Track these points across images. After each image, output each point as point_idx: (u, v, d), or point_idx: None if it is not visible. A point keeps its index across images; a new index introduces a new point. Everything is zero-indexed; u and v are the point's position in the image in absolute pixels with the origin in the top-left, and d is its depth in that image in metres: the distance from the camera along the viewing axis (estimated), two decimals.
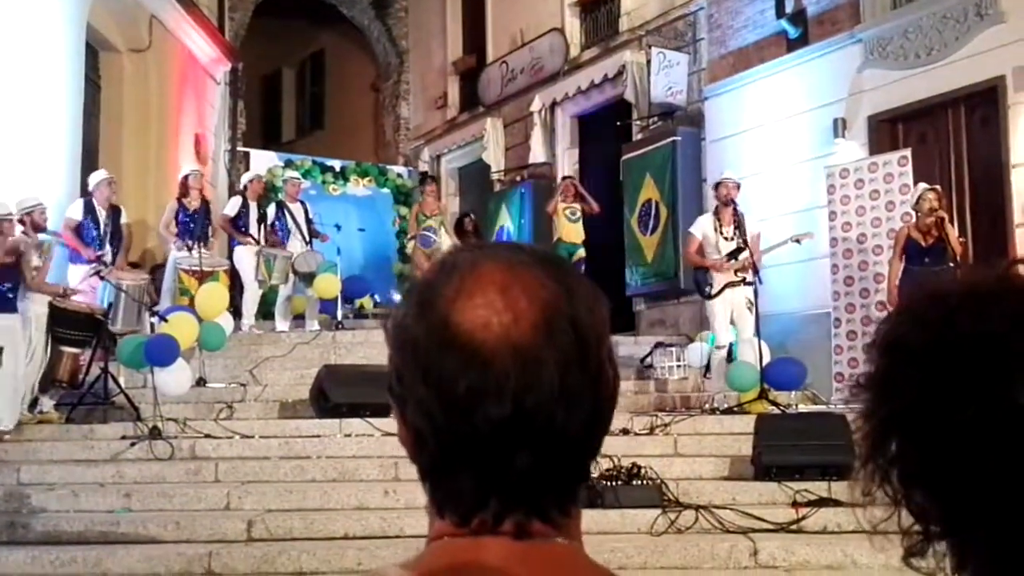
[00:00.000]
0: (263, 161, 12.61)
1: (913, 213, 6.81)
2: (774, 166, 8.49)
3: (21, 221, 6.72)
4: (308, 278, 9.10)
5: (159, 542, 4.72)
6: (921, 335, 0.65)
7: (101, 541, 4.72)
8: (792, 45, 8.38)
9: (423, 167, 13.19)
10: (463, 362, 0.64)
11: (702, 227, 7.09)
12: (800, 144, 8.29)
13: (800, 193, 8.21)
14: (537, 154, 11.04)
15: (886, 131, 7.82)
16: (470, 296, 0.66)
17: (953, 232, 6.62)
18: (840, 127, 7.89)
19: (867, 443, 0.68)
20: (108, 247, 7.79)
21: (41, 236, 6.77)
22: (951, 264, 6.48)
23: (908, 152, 7.37)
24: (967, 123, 7.32)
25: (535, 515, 0.66)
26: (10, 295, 6.16)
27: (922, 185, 6.76)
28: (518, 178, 11.49)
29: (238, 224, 9.00)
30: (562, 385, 0.65)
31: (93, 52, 9.58)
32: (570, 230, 9.34)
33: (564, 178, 9.87)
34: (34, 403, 6.51)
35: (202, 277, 8.13)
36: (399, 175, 13.37)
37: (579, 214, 9.42)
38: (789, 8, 8.33)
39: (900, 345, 0.66)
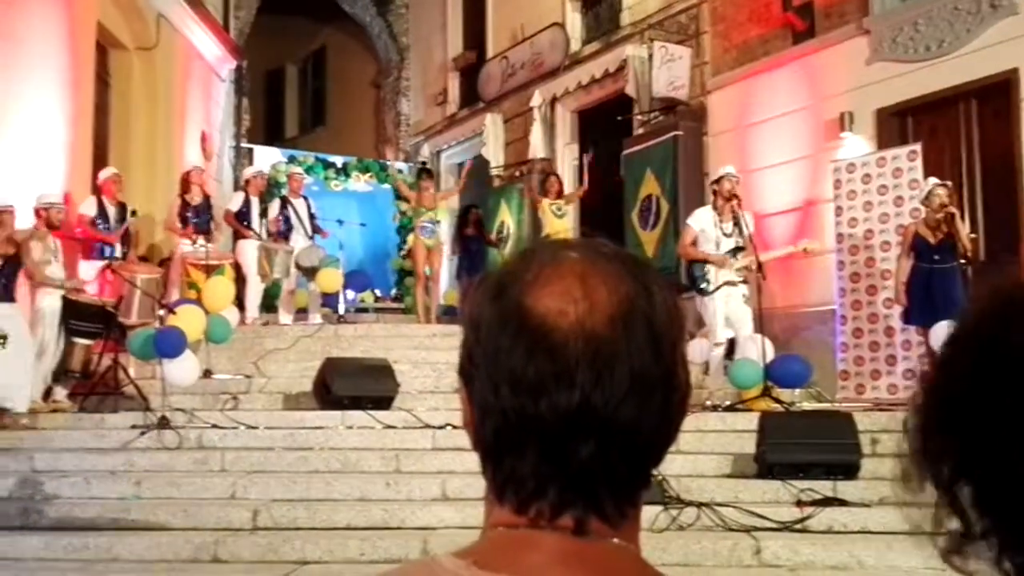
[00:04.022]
0: (267, 157, 12.63)
1: (922, 209, 6.69)
2: (779, 160, 8.38)
3: (38, 214, 6.77)
4: (311, 272, 9.20)
5: (168, 529, 4.81)
6: (981, 330, 0.63)
7: (112, 527, 4.81)
8: (798, 37, 8.28)
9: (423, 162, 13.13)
10: (534, 346, 0.64)
11: (700, 220, 6.95)
12: (806, 138, 8.19)
13: (805, 188, 8.11)
14: (537, 150, 10.95)
15: (895, 125, 7.70)
16: (547, 282, 0.66)
17: (964, 228, 6.50)
18: (847, 121, 7.78)
19: (917, 436, 0.66)
20: (119, 243, 7.91)
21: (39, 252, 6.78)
22: (962, 261, 6.38)
23: (918, 147, 7.24)
24: (979, 117, 7.18)
25: (593, 510, 0.65)
26: (9, 285, 6.20)
27: (932, 180, 6.63)
28: (517, 173, 11.41)
29: (241, 219, 9.09)
30: (632, 382, 0.64)
31: (103, 50, 9.67)
32: (557, 225, 9.25)
33: (549, 174, 9.80)
34: (48, 393, 6.68)
35: (208, 269, 8.29)
36: (399, 170, 13.30)
37: (565, 209, 9.36)
38: None
39: (958, 337, 0.65)
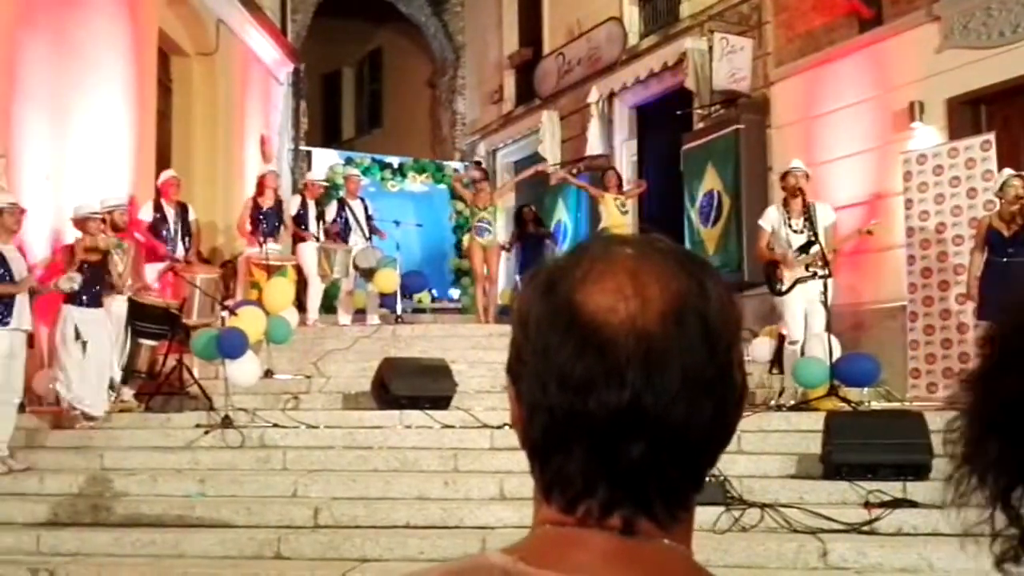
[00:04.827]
0: (325, 160, 12.78)
1: (996, 200, 6.43)
2: (846, 153, 8.15)
3: (102, 219, 6.95)
4: (368, 273, 9.26)
5: (232, 526, 4.90)
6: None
7: (178, 524, 4.94)
8: (865, 25, 8.03)
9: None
10: (583, 343, 0.63)
11: (770, 220, 6.83)
12: (874, 129, 7.94)
13: (874, 181, 7.87)
14: (594, 146, 10.86)
15: (967, 114, 7.42)
16: (598, 279, 0.64)
17: None
18: (917, 110, 7.52)
19: (966, 443, 0.65)
20: (180, 244, 8.08)
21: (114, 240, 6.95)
22: None
23: (992, 136, 6.96)
24: None
25: (642, 511, 0.64)
26: (96, 291, 6.38)
27: (1007, 171, 6.38)
28: (574, 171, 11.32)
29: (298, 222, 9.24)
30: (685, 381, 0.62)
31: (164, 57, 9.90)
32: (619, 221, 9.15)
33: (608, 169, 9.73)
34: (116, 393, 6.81)
35: (270, 270, 8.42)
36: (455, 170, 13.35)
37: (628, 206, 9.26)
38: None
39: (1003, 337, 0.64)
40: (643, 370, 0.62)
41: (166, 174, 8.38)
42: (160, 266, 7.87)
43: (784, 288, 6.62)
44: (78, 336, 6.14)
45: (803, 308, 6.61)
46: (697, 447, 0.65)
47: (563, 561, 0.64)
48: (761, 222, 6.93)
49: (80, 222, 6.50)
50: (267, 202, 8.86)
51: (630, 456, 0.63)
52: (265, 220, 8.75)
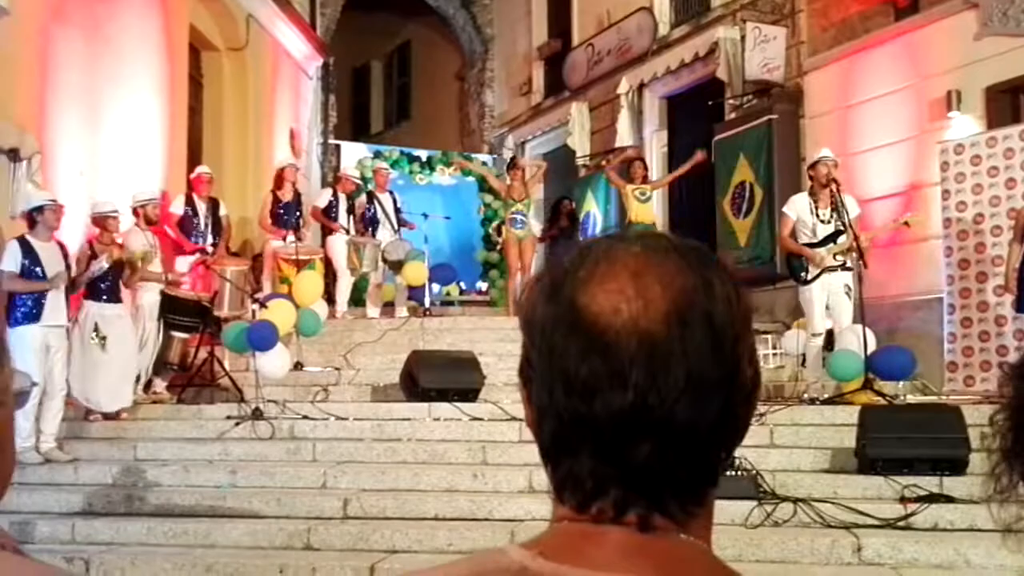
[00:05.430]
0: (353, 153, 12.83)
1: None
2: (881, 143, 8.00)
3: (135, 212, 7.02)
4: (397, 266, 9.27)
5: (262, 517, 4.99)
6: None
7: (210, 514, 5.03)
8: (900, 13, 7.87)
9: (507, 155, 13.12)
10: (586, 345, 0.63)
11: (797, 208, 6.69)
12: (910, 119, 7.79)
13: (910, 171, 7.72)
14: (624, 138, 10.77)
15: (1006, 103, 7.26)
16: (601, 280, 0.65)
17: None
18: (954, 99, 7.37)
19: (1007, 437, 0.64)
20: (209, 239, 8.14)
21: (141, 244, 6.96)
22: None
23: None
24: None
25: (656, 509, 0.65)
26: (116, 285, 6.45)
27: None
28: (604, 163, 11.24)
29: (329, 214, 9.22)
30: (689, 380, 0.62)
31: (195, 52, 9.98)
32: (641, 211, 9.10)
33: (635, 159, 9.65)
34: (148, 384, 6.93)
35: (299, 264, 8.44)
36: (484, 163, 13.33)
37: (649, 194, 9.18)
38: None
39: None
40: (647, 371, 0.62)
41: (199, 170, 8.44)
42: (191, 259, 7.94)
43: (809, 277, 6.51)
44: (96, 334, 6.18)
45: (824, 301, 6.50)
46: (706, 445, 0.64)
47: (580, 556, 0.64)
48: (785, 209, 6.79)
49: (99, 220, 6.55)
50: (286, 195, 8.86)
51: (637, 457, 0.63)
52: (286, 213, 8.77)
